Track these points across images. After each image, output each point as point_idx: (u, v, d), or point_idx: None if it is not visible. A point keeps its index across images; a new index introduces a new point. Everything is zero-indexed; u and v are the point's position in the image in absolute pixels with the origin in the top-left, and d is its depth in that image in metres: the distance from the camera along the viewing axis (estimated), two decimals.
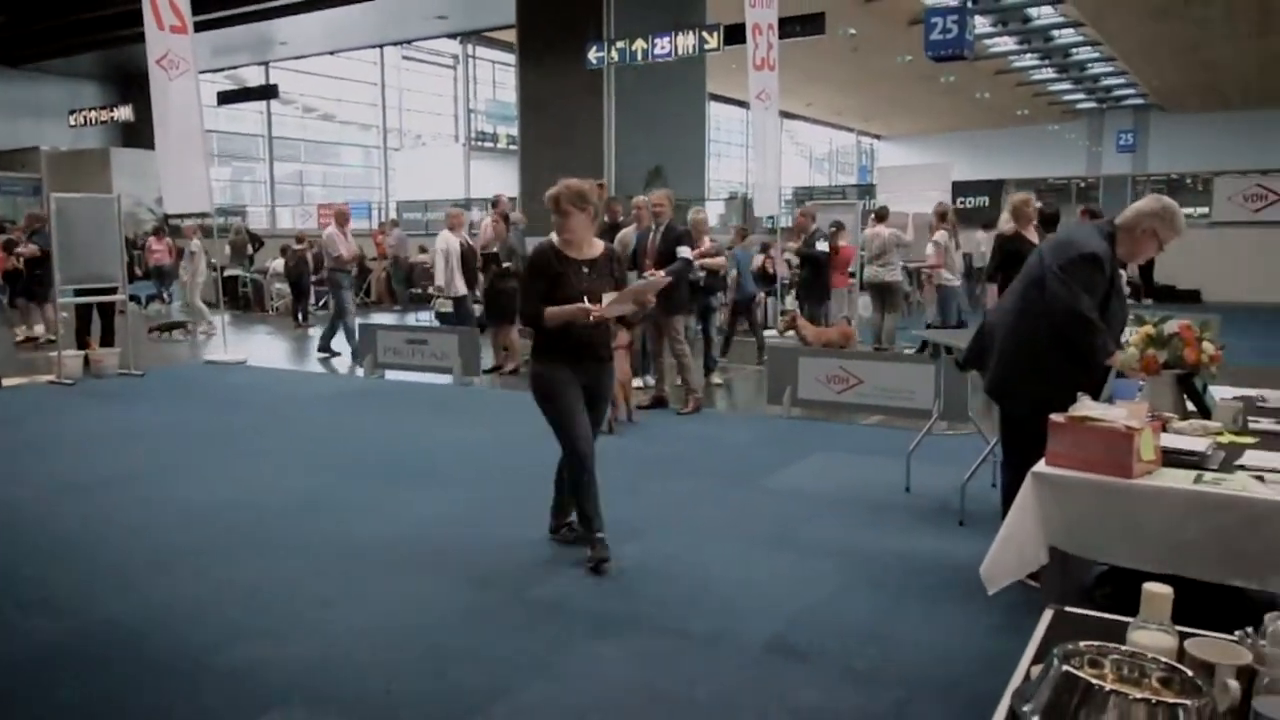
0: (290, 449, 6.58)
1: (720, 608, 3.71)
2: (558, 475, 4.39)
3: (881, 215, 10.67)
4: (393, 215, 24.04)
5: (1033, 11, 24.61)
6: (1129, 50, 26.62)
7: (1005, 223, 6.98)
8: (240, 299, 17.67)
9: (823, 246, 9.65)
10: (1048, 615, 1.70)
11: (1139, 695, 1.18)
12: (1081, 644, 1.32)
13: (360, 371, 9.90)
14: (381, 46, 29.61)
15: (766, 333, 10.85)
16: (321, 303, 17.71)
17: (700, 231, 8.38)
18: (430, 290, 10.09)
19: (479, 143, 31.77)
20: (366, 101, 32.72)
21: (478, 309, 10.46)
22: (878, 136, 45.85)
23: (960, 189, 18.49)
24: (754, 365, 9.83)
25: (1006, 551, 2.69)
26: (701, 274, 8.25)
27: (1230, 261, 17.04)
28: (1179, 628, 1.39)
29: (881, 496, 5.22)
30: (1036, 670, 1.36)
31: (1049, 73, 31.88)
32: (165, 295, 17.34)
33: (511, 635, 3.47)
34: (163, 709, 3.00)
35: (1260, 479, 2.47)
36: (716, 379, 8.92)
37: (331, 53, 29.11)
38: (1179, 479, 2.50)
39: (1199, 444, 2.72)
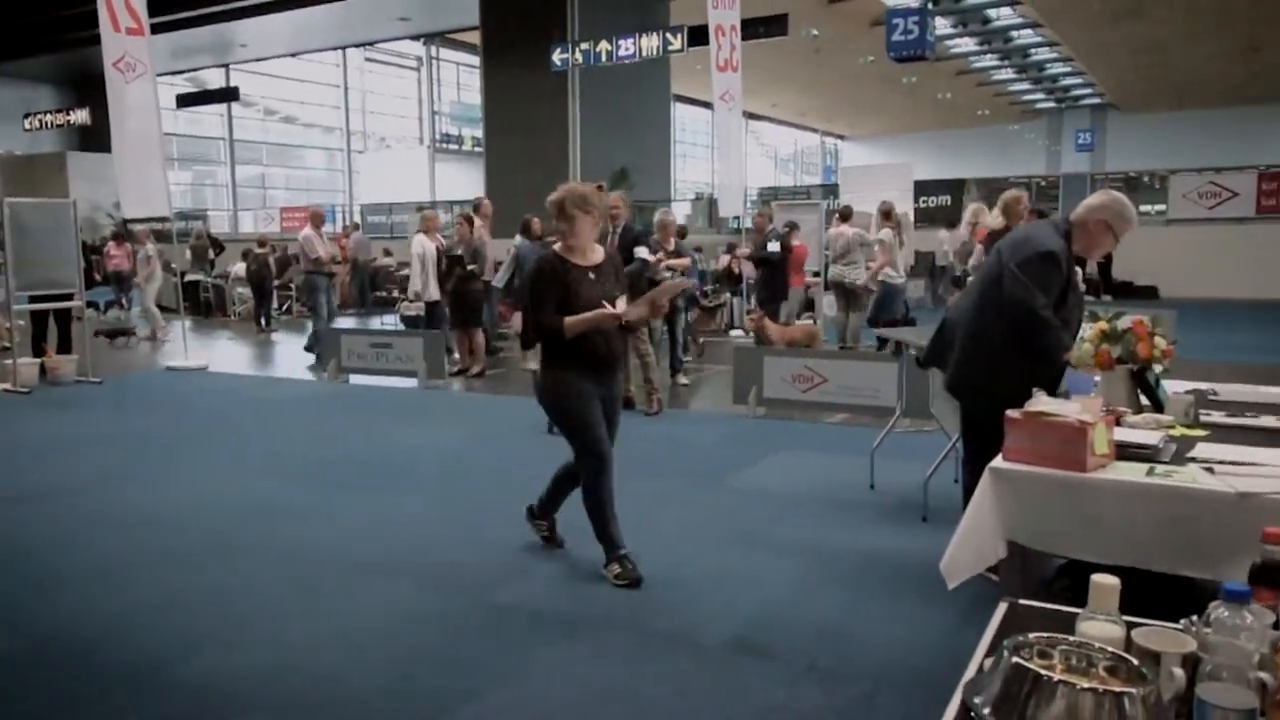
0: (250, 455, 6.50)
1: (686, 607, 3.72)
2: (562, 471, 4.26)
3: (845, 215, 10.75)
4: (355, 219, 23.84)
5: (992, 13, 24.92)
6: (1086, 51, 27.03)
7: (996, 219, 7.09)
8: (201, 304, 17.45)
9: (774, 247, 9.69)
10: (1002, 608, 1.73)
11: (1086, 685, 1.20)
12: (1031, 635, 1.34)
13: (324, 376, 9.81)
14: (344, 48, 29.37)
15: (733, 332, 10.90)
16: (285, 307, 17.55)
17: (667, 233, 8.39)
18: (410, 296, 9.99)
19: (444, 145, 31.61)
20: (329, 104, 32.43)
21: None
22: (841, 137, 46.19)
23: (922, 188, 18.68)
24: (721, 365, 9.87)
25: (965, 546, 2.72)
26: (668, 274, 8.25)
27: (1186, 258, 17.38)
28: (1126, 618, 1.42)
29: (846, 494, 5.26)
30: (990, 663, 1.37)
31: (1009, 73, 32.30)
32: (124, 301, 17.06)
33: (477, 638, 3.45)
34: None
35: (1210, 471, 2.52)
36: (683, 379, 8.94)
37: (293, 55, 28.83)
38: (1132, 472, 2.54)
39: (1151, 437, 2.76)
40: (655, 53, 16.64)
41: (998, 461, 2.68)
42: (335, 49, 29.26)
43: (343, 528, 4.80)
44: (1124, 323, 3.27)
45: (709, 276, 14.24)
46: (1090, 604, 1.42)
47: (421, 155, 31.76)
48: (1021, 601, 1.76)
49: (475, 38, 21.17)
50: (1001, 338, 3.60)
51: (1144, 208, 19.39)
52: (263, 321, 14.88)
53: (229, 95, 25.40)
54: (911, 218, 15.33)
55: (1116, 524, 2.50)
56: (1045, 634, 1.35)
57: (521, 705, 2.99)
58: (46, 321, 10.22)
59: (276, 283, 16.41)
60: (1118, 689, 1.19)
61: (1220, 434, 2.95)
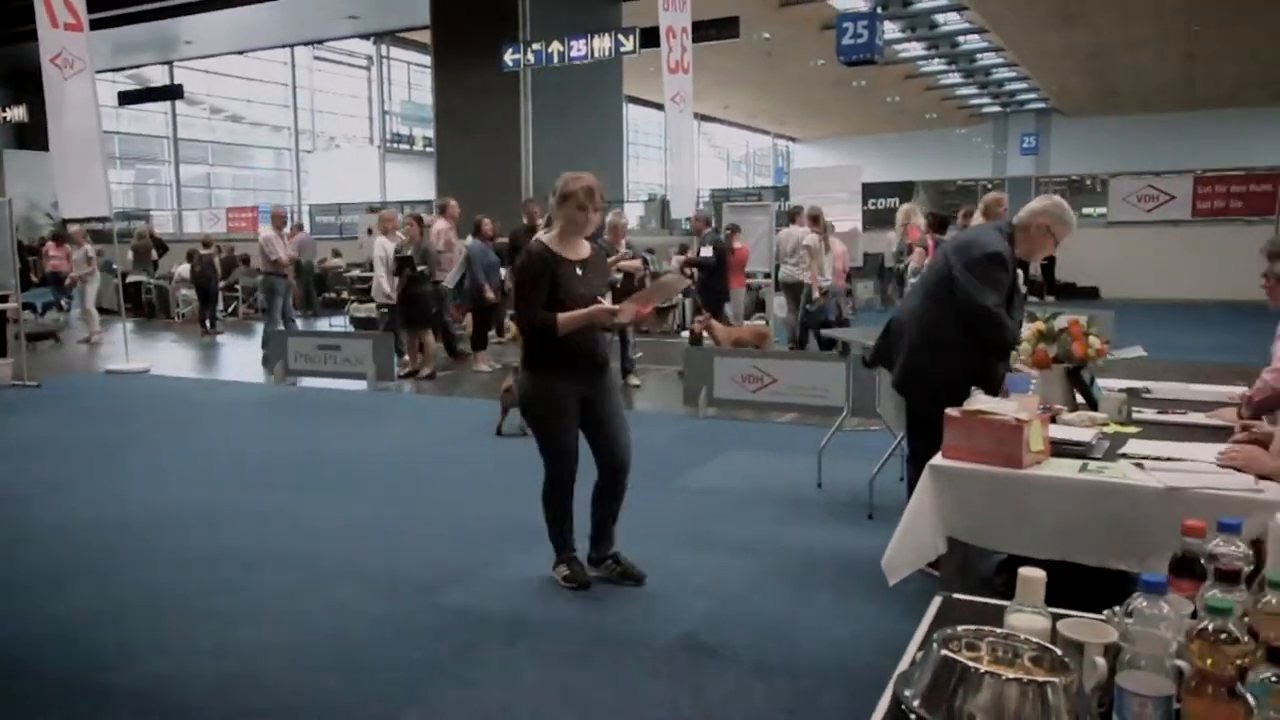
0: (193, 460, 6.38)
1: (634, 607, 3.73)
2: (545, 502, 3.98)
3: (793, 215, 10.86)
4: (301, 219, 23.46)
5: (940, 18, 25.30)
6: (1030, 57, 27.58)
7: (977, 220, 7.23)
8: (144, 306, 17.08)
9: (707, 252, 9.76)
10: (936, 602, 1.76)
11: (1012, 675, 1.23)
12: (959, 628, 1.37)
13: (270, 378, 9.67)
14: (291, 46, 28.91)
15: (684, 333, 10.92)
16: (230, 309, 17.24)
17: (618, 235, 8.41)
18: (378, 298, 9.88)
19: (394, 145, 31.26)
20: (277, 103, 31.92)
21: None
22: (793, 139, 46.55)
23: (870, 190, 18.91)
24: (672, 366, 9.90)
25: (905, 543, 2.77)
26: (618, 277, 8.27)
27: (1126, 259, 17.80)
28: (1052, 610, 1.46)
29: (794, 493, 5.31)
30: (921, 655, 1.40)
31: (956, 78, 32.80)
32: (63, 303, 16.65)
33: (423, 642, 3.43)
34: None
35: (1140, 466, 2.59)
36: (634, 380, 8.96)
37: (240, 52, 28.31)
38: (1065, 468, 2.60)
39: (1085, 434, 2.84)
40: (607, 54, 16.63)
41: (937, 459, 2.73)
42: (283, 47, 28.79)
43: (288, 532, 4.74)
44: (1060, 323, 3.35)
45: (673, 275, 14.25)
46: (1018, 597, 1.46)
47: (372, 155, 31.37)
48: (955, 596, 1.80)
49: (426, 37, 20.97)
50: (950, 337, 3.69)
51: (1085, 210, 19.87)
52: (208, 324, 14.60)
53: (173, 93, 24.86)
54: (860, 222, 15.55)
55: (1051, 519, 2.56)
56: (973, 626, 1.38)
57: (467, 708, 2.98)
58: None
59: (222, 284, 16.13)
60: (1041, 679, 1.23)
61: (1151, 431, 3.04)
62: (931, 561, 2.89)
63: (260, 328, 11.18)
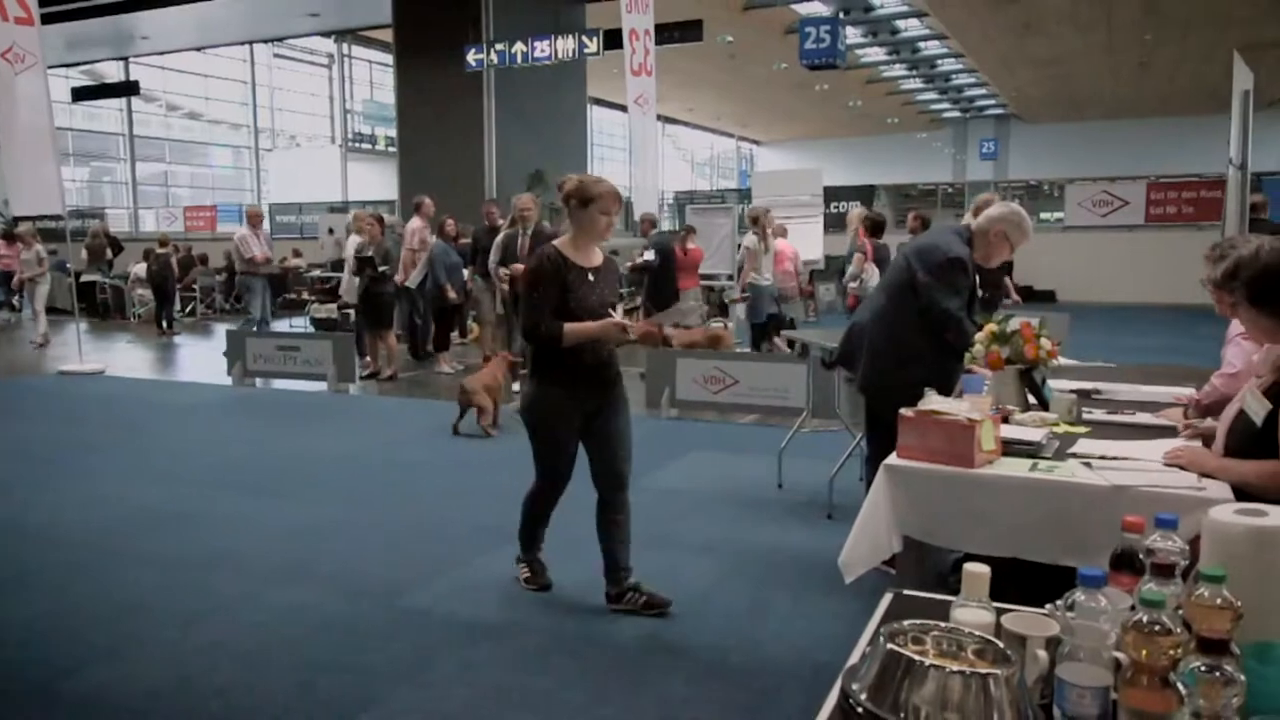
0: (150, 462, 6.29)
1: (594, 609, 3.73)
2: (526, 507, 3.87)
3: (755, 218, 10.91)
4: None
5: (901, 24, 25.58)
6: (989, 63, 27.98)
7: (967, 220, 7.29)
8: (99, 306, 16.77)
9: (649, 256, 9.80)
10: (887, 599, 1.79)
11: (955, 667, 1.26)
12: (905, 623, 1.39)
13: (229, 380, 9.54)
14: (251, 43, 28.54)
15: None
16: (188, 309, 16.99)
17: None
18: (351, 298, 9.80)
19: (356, 144, 30.94)
20: (237, 100, 31.49)
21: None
22: (757, 142, 46.79)
23: (832, 194, 19.07)
24: (634, 368, 9.90)
25: (861, 541, 2.80)
26: None
27: (1082, 263, 18.12)
28: (997, 604, 1.49)
29: (755, 493, 5.35)
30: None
31: (917, 83, 33.17)
32: (15, 303, 16.30)
33: (381, 644, 3.41)
34: None
35: (1088, 465, 2.65)
36: None
37: (198, 49, 27.89)
38: (1016, 467, 2.65)
39: (1036, 434, 2.89)
40: (571, 56, 16.62)
41: (891, 459, 2.77)
42: (242, 44, 28.41)
43: (245, 535, 4.68)
44: (1012, 325, 3.41)
45: (624, 280, 14.30)
46: (963, 592, 1.49)
47: (333, 154, 31.03)
48: (905, 592, 1.83)
49: (388, 35, 20.80)
50: (910, 339, 3.76)
51: (1043, 215, 20.20)
52: (164, 324, 14.38)
53: (129, 89, 24.45)
54: (822, 224, 15.67)
55: (1002, 517, 2.60)
56: (919, 621, 1.41)
57: (425, 709, 2.97)
58: None
59: (179, 284, 15.89)
60: (984, 670, 1.25)
61: (1100, 430, 3.10)
62: (888, 559, 2.93)
63: (221, 329, 11.01)
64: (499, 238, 8.03)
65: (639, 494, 5.39)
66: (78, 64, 26.44)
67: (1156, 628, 1.18)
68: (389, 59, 22.89)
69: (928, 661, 1.27)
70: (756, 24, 22.85)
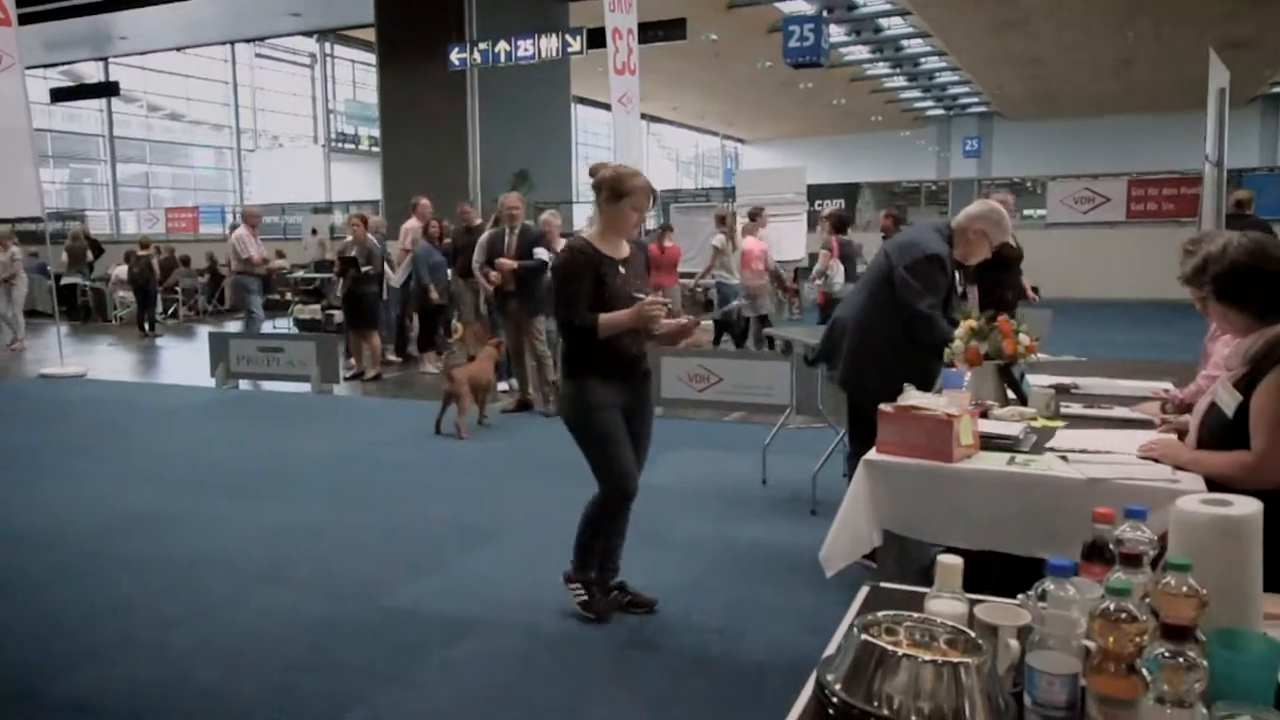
0: (133, 464, 6.26)
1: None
2: (589, 522, 3.68)
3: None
4: (236, 218, 23.04)
5: (884, 22, 25.69)
6: (972, 61, 28.14)
7: None
8: (79, 308, 16.65)
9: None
10: (864, 591, 1.81)
11: (928, 657, 1.28)
12: (879, 614, 1.41)
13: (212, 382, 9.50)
14: (232, 43, 28.39)
15: None
16: (170, 311, 16.89)
17: (553, 236, 8.40)
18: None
19: (339, 144, 30.83)
20: (218, 100, 31.31)
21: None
22: (741, 140, 46.89)
23: (816, 192, 19.10)
24: None
25: (842, 536, 2.82)
26: None
27: (1064, 260, 18.22)
28: (970, 595, 1.51)
29: (739, 490, 5.37)
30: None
31: (900, 81, 33.32)
32: None
33: (364, 645, 3.41)
34: None
35: (1064, 459, 2.67)
36: None
37: (179, 49, 27.73)
38: (994, 461, 2.68)
39: (1013, 428, 2.92)
40: (554, 54, 16.62)
41: (871, 454, 2.79)
42: (223, 44, 28.26)
43: (228, 536, 4.67)
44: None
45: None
46: (936, 584, 1.51)
47: (316, 154, 30.92)
48: (882, 584, 1.85)
49: (371, 35, 20.75)
50: (890, 335, 3.79)
51: (1026, 212, 20.30)
52: (146, 326, 14.29)
53: (108, 90, 24.31)
54: (805, 222, 15.68)
55: (980, 511, 2.63)
56: (893, 612, 1.42)
57: (409, 709, 2.98)
58: None
59: (161, 286, 15.79)
60: (955, 660, 1.27)
61: (1076, 424, 3.14)
62: (870, 553, 2.96)
63: (203, 331, 10.96)
64: (483, 237, 8.01)
65: None
66: (56, 64, 26.25)
67: (1123, 615, 1.21)
68: (372, 58, 22.81)
69: (900, 652, 1.29)
70: (740, 22, 22.91)
